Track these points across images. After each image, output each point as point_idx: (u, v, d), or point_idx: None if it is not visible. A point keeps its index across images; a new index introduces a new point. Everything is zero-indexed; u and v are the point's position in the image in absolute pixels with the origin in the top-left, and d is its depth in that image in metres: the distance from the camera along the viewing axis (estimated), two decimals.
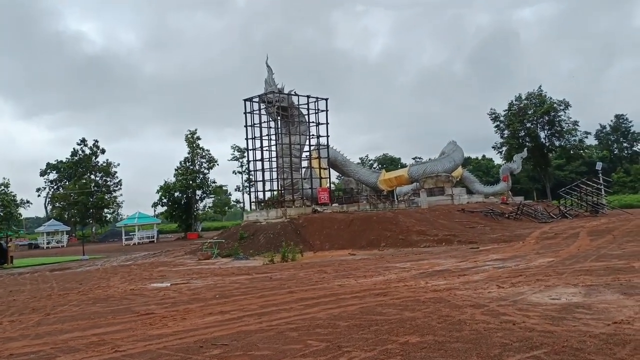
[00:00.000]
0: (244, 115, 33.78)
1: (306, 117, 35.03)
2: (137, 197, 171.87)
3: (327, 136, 36.15)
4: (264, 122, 34.51)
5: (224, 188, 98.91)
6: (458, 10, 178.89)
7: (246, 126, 33.87)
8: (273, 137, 34.55)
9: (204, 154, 63.02)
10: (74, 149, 74.37)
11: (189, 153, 62.65)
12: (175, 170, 63.23)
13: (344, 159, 41.97)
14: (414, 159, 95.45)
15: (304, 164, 36.46)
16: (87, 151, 74.74)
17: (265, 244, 28.22)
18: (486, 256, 17.84)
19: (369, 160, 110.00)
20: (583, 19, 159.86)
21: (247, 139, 34.18)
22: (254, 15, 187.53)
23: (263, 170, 34.28)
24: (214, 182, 64.31)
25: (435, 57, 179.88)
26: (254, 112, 33.92)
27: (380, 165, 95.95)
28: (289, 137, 33.19)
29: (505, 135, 76.28)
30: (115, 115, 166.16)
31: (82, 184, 70.63)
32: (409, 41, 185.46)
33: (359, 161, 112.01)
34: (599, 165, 56.62)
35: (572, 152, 76.97)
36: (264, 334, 7.80)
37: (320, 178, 36.14)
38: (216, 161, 63.03)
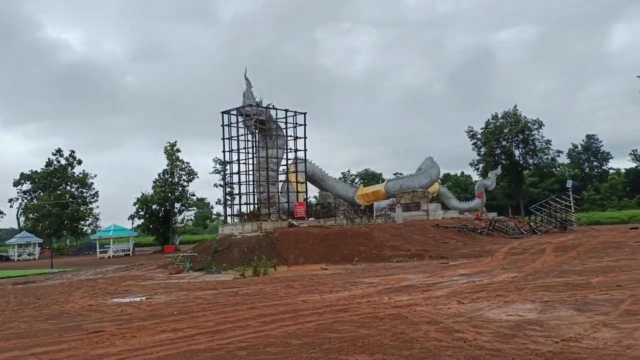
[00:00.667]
0: (222, 127, 33.69)
1: (284, 130, 35.06)
2: (118, 209, 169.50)
3: (305, 150, 36.22)
4: (242, 135, 34.44)
5: (205, 201, 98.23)
6: (440, 31, 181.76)
7: (223, 139, 33.75)
8: (251, 150, 34.46)
9: (183, 166, 62.52)
10: (49, 159, 73.34)
11: (167, 165, 62.11)
12: (154, 182, 62.62)
13: (322, 174, 42.02)
14: (395, 174, 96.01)
15: (282, 177, 36.40)
16: (63, 162, 73.62)
17: (239, 258, 27.97)
18: (454, 271, 17.92)
19: (351, 175, 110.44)
20: (558, 43, 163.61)
21: (224, 151, 34.07)
22: (240, 29, 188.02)
23: (239, 183, 34.15)
24: (194, 194, 63.79)
25: (417, 75, 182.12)
26: (232, 125, 33.83)
27: (361, 180, 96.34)
28: (266, 150, 33.13)
29: (482, 153, 77.41)
30: (97, 126, 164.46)
31: (56, 195, 69.49)
32: (391, 59, 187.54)
33: (341, 176, 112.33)
34: (569, 183, 57.56)
35: (545, 170, 78.39)
36: (211, 354, 7.68)
37: (297, 192, 36.07)
38: (196, 174, 62.61)
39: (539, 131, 76.16)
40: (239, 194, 34.14)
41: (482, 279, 14.94)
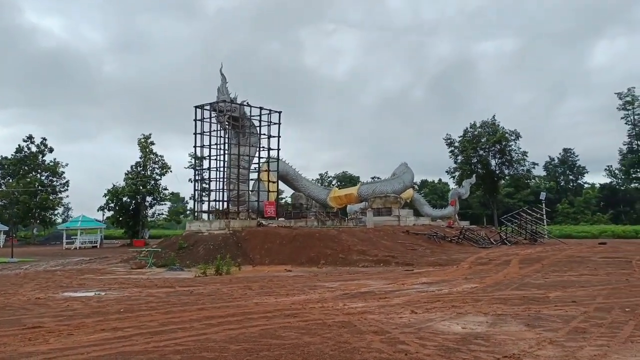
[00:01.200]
0: (194, 122, 33.12)
1: (258, 128, 34.62)
2: (92, 200, 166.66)
3: (278, 149, 35.85)
4: (215, 130, 33.89)
5: (181, 196, 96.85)
6: (423, 37, 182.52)
7: (195, 134, 33.16)
8: (223, 147, 33.94)
9: (157, 159, 61.49)
10: (19, 145, 71.51)
11: (140, 158, 61.04)
12: (126, 174, 61.48)
13: (296, 174, 41.69)
14: (372, 178, 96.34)
15: (254, 175, 35.93)
16: (34, 149, 71.96)
17: (204, 256, 27.48)
18: (416, 279, 17.78)
19: (329, 177, 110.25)
20: (540, 57, 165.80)
21: (195, 146, 33.49)
22: (223, 24, 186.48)
23: (209, 179, 33.62)
24: (166, 188, 62.77)
25: (398, 80, 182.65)
26: (205, 120, 33.28)
27: (339, 183, 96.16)
28: (238, 147, 32.67)
29: (459, 161, 77.85)
30: (73, 115, 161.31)
31: (25, 183, 67.85)
32: (374, 63, 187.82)
33: (318, 177, 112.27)
34: (542, 195, 58.39)
35: (519, 181, 79.18)
36: (145, 357, 7.33)
37: (268, 191, 35.69)
38: (169, 168, 61.58)
39: (515, 142, 77.00)
40: (209, 190, 33.62)
41: (442, 289, 14.80)
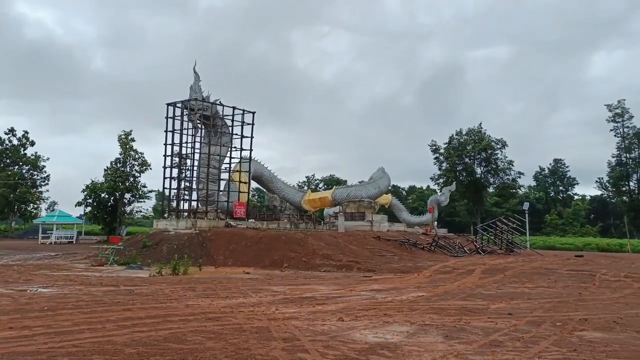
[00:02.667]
0: (166, 119, 32.77)
1: (230, 128, 34.31)
2: (76, 195, 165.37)
3: (251, 150, 35.54)
4: (187, 129, 33.53)
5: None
6: (417, 43, 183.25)
7: (166, 131, 32.80)
8: (196, 145, 33.62)
9: (136, 156, 60.99)
10: (0, 138, 70.68)
11: (120, 154, 60.53)
12: (105, 170, 60.91)
13: (271, 175, 41.38)
14: (359, 182, 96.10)
15: (225, 175, 35.60)
16: (15, 142, 71.19)
17: (167, 255, 27.10)
18: (368, 286, 17.54)
19: (316, 180, 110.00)
20: (533, 66, 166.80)
21: (166, 144, 33.06)
22: (215, 22, 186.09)
23: (179, 178, 33.23)
24: (144, 186, 62.24)
25: (389, 85, 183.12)
26: (176, 118, 32.92)
27: (326, 186, 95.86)
28: (209, 147, 32.35)
29: (443, 168, 77.77)
30: (61, 108, 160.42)
31: (4, 176, 67.07)
32: (366, 67, 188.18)
33: (305, 180, 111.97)
34: (525, 205, 58.24)
35: (505, 190, 79.03)
36: (31, 357, 7.04)
37: (239, 192, 35.36)
38: (149, 165, 61.09)
39: (501, 151, 77.02)
40: (177, 188, 33.26)
41: (387, 297, 14.58)
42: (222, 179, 34.80)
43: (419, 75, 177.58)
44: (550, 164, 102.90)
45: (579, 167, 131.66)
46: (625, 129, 71.78)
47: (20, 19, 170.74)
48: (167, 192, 33.89)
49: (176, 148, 32.97)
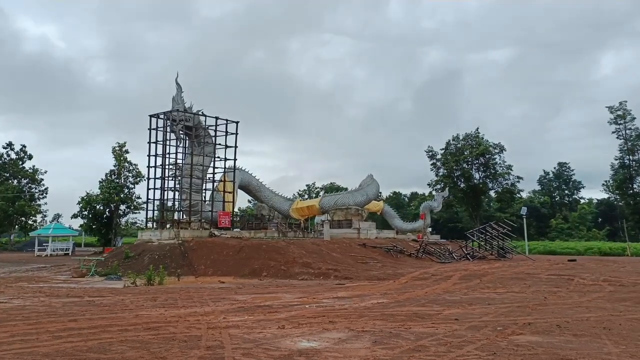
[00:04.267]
0: (149, 131, 33.00)
1: (213, 138, 34.49)
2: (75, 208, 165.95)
3: (235, 160, 35.69)
4: (172, 140, 33.74)
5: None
6: (420, 48, 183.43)
7: (149, 143, 33.03)
8: (179, 156, 33.79)
9: (131, 168, 61.36)
10: None
11: (115, 166, 60.92)
12: (100, 182, 61.29)
13: (259, 184, 41.47)
14: (344, 189, 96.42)
15: (209, 185, 35.74)
16: (14, 156, 71.78)
17: (148, 265, 27.01)
18: (335, 293, 17.55)
19: (316, 188, 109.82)
20: (535, 68, 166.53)
21: (149, 155, 33.29)
22: (219, 33, 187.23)
23: (162, 189, 33.43)
24: (139, 197, 62.52)
25: (390, 91, 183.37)
26: (159, 129, 33.15)
27: (325, 194, 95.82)
28: (191, 157, 32.55)
29: (441, 174, 77.45)
30: (65, 121, 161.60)
31: (3, 189, 67.57)
32: (367, 74, 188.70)
33: (306, 188, 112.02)
34: (523, 210, 58.08)
35: (503, 195, 78.49)
36: None
37: (224, 202, 35.47)
38: (143, 176, 61.38)
39: (500, 156, 76.66)
40: (161, 199, 33.43)
41: (346, 304, 14.59)
42: (206, 189, 34.98)
43: (420, 80, 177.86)
44: (554, 168, 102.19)
45: (585, 170, 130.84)
46: (628, 131, 71.19)
47: (21, 34, 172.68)
48: (150, 203, 34.00)
49: (159, 159, 33.19)
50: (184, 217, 33.35)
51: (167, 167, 32.94)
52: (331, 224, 39.17)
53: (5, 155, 71.79)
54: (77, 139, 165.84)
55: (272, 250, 27.68)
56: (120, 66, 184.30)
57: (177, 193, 34.17)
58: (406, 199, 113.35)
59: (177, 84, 32.48)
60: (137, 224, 68.30)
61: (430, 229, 52.21)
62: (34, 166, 72.84)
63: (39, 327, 10.38)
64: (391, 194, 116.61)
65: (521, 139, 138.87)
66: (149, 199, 33.52)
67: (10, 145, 72.24)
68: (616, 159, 71.86)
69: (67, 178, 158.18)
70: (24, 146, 72.90)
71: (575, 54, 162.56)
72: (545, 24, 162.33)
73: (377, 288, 19.46)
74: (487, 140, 77.01)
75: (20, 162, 72.52)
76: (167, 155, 32.98)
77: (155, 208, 33.65)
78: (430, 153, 78.29)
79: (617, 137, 71.04)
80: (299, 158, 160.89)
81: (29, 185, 73.12)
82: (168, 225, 32.80)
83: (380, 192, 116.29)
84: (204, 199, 34.38)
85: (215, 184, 36.50)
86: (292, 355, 8.02)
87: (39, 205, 74.19)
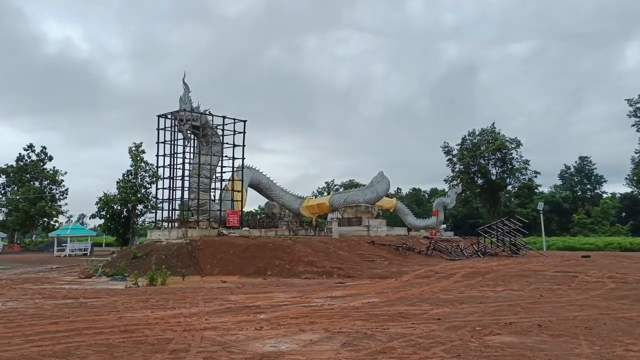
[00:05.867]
0: (157, 131, 33.33)
1: (221, 137, 34.66)
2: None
3: (243, 158, 35.84)
4: (180, 139, 34.01)
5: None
6: (443, 43, 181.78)
7: (158, 143, 33.38)
8: (187, 156, 34.07)
9: (147, 167, 62.10)
10: (19, 154, 72.85)
11: (131, 166, 61.74)
12: (117, 182, 62.22)
13: (269, 182, 41.54)
14: (354, 186, 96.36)
15: (218, 184, 35.93)
16: (34, 157, 73.30)
17: (155, 265, 27.44)
18: (331, 292, 17.45)
19: (335, 186, 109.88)
20: (558, 61, 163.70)
21: (157, 155, 33.67)
22: (242, 31, 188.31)
23: (170, 188, 33.76)
24: (156, 197, 63.15)
25: (410, 87, 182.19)
26: (167, 129, 33.47)
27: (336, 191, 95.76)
28: (199, 156, 32.78)
29: (457, 170, 76.69)
30: (86, 121, 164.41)
31: (25, 190, 69.06)
32: (387, 69, 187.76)
33: (325, 185, 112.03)
34: (540, 206, 57.19)
35: (521, 190, 77.41)
36: None
37: (233, 200, 35.63)
38: (159, 176, 62.03)
39: (517, 150, 75.64)
40: (170, 199, 33.75)
41: (336, 303, 14.49)
42: (215, 188, 35.19)
43: (441, 75, 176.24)
44: (576, 162, 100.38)
45: (608, 163, 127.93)
46: None
47: (44, 36, 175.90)
48: (159, 202, 34.32)
49: (168, 159, 33.54)
50: (193, 216, 33.59)
51: (175, 166, 33.21)
52: (341, 222, 39.06)
53: (26, 157, 73.37)
54: (103, 139, 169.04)
55: (278, 249, 27.71)
56: (142, 66, 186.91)
57: (186, 192, 34.40)
58: (426, 195, 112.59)
59: (185, 83, 32.77)
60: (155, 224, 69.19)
61: (444, 226, 51.73)
62: (54, 167, 74.34)
63: (16, 330, 10.50)
64: (410, 190, 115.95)
65: (542, 134, 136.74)
66: (158, 199, 33.83)
67: (31, 147, 73.75)
68: (636, 152, 70.10)
69: (94, 177, 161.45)
70: (44, 148, 74.52)
71: (599, 45, 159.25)
72: (569, 16, 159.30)
73: (375, 287, 19.30)
74: (504, 135, 76.08)
75: (41, 164, 74.05)
76: (175, 155, 33.25)
77: (175, 207, 33.89)
78: (446, 149, 77.62)
79: (637, 130, 69.27)
80: (319, 155, 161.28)
81: (50, 186, 74.59)
82: (177, 225, 33.07)
83: (399, 189, 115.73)
84: (213, 198, 34.60)
85: (225, 183, 36.69)
86: (254, 358, 7.97)
87: (60, 206, 75.65)
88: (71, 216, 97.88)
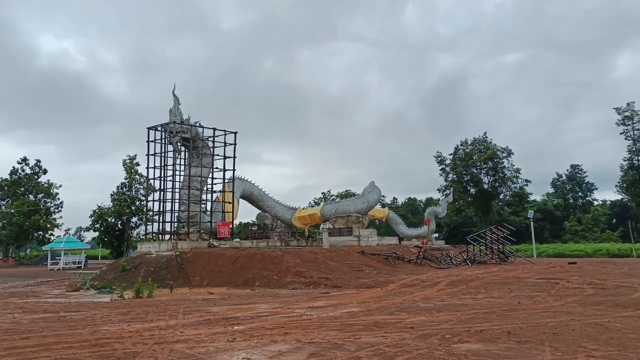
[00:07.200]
0: (147, 143, 33.43)
1: (211, 149, 34.77)
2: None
3: (234, 170, 35.93)
4: (166, 152, 34.08)
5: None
6: (437, 53, 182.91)
7: (148, 155, 33.46)
8: (177, 168, 34.13)
9: (141, 180, 62.14)
10: (13, 167, 72.86)
11: (125, 179, 61.79)
12: (111, 195, 62.25)
13: (261, 193, 41.63)
14: (342, 196, 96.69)
15: (208, 196, 35.93)
16: (28, 171, 73.27)
17: (144, 278, 27.34)
18: (313, 302, 17.49)
19: (331, 196, 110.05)
20: (548, 71, 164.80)
21: (147, 168, 33.76)
22: (238, 43, 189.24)
23: (160, 200, 33.78)
24: (150, 210, 63.21)
25: (405, 97, 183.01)
26: (157, 141, 33.57)
27: (327, 201, 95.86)
28: (189, 168, 32.89)
29: (450, 179, 76.94)
30: (82, 135, 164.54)
31: (19, 204, 68.99)
32: (382, 79, 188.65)
33: (321, 196, 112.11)
34: (530, 214, 57.43)
35: (513, 198, 77.58)
36: None
37: (224, 212, 35.68)
38: (154, 189, 62.10)
39: (508, 159, 76.00)
40: (160, 211, 33.79)
41: (315, 314, 14.52)
42: (206, 200, 35.22)
43: (434, 84, 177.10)
44: (567, 170, 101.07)
45: (599, 171, 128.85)
46: (636, 132, 70.12)
47: (39, 49, 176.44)
48: (153, 215, 34.34)
49: (158, 172, 33.61)
50: (184, 228, 33.62)
51: (165, 179, 33.31)
52: (332, 232, 39.12)
53: (20, 171, 73.32)
54: (100, 152, 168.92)
55: (267, 260, 27.72)
56: (138, 79, 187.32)
57: (176, 204, 34.43)
58: (422, 204, 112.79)
59: (175, 95, 32.90)
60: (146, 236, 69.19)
61: (436, 235, 51.82)
62: (48, 180, 74.30)
63: None
64: (406, 200, 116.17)
65: (534, 143, 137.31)
66: (149, 211, 33.87)
67: (25, 160, 73.70)
68: (625, 160, 70.81)
69: (91, 191, 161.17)
70: (39, 161, 74.43)
71: (590, 55, 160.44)
72: (560, 26, 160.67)
73: (358, 296, 19.34)
74: (495, 145, 76.51)
75: (36, 177, 73.98)
76: (165, 167, 33.34)
77: (166, 219, 33.94)
78: (439, 158, 77.89)
79: (625, 138, 70.08)
80: (316, 166, 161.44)
81: (45, 199, 74.46)
82: (167, 237, 33.09)
83: (395, 198, 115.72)
84: (204, 210, 34.67)
85: (216, 194, 36.75)
86: None
87: (55, 220, 75.51)
88: (69, 229, 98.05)
